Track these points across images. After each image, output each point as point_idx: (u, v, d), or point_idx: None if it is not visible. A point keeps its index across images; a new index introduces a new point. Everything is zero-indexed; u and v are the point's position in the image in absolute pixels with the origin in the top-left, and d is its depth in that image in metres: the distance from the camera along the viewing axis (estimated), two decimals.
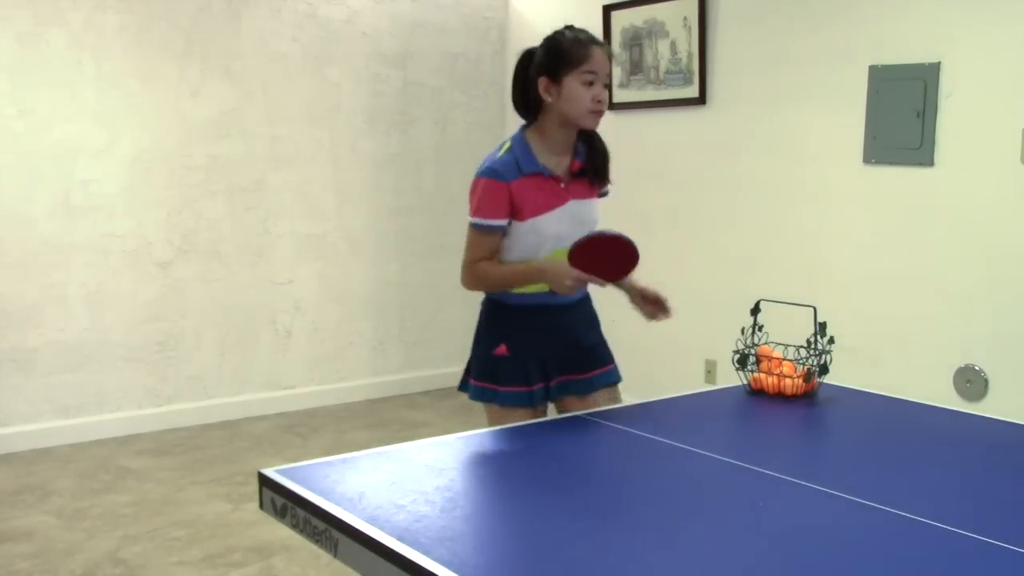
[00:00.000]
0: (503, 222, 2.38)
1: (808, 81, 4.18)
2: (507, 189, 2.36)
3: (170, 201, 4.70)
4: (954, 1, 3.68)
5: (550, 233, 2.41)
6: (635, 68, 4.92)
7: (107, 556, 3.30)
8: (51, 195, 4.39)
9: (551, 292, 2.43)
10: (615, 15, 4.95)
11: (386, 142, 5.36)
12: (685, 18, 4.64)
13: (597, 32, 5.15)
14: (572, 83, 2.35)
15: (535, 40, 2.44)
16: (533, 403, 2.47)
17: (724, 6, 4.51)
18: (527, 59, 2.45)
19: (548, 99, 2.38)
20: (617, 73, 4.99)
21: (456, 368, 5.98)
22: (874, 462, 2.02)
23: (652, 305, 2.55)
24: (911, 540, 1.56)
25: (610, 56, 2.43)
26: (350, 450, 2.05)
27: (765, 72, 4.35)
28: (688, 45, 4.64)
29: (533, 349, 2.48)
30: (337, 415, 5.09)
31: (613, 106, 5.04)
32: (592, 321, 2.62)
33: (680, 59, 4.69)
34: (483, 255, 2.42)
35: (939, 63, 3.72)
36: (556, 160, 2.44)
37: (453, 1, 5.50)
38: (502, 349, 2.48)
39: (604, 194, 2.57)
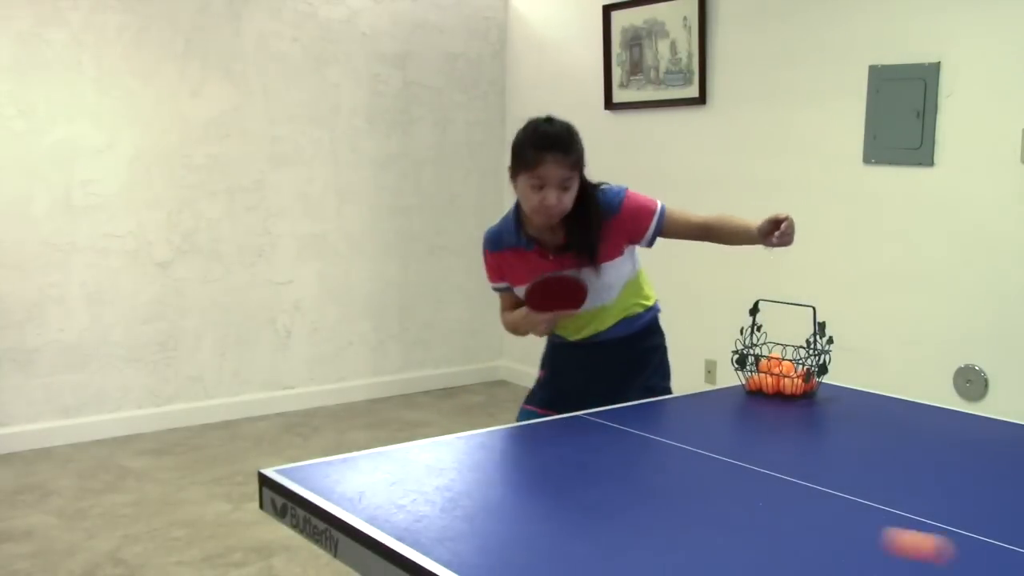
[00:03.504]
0: (503, 284, 2.50)
1: (808, 81, 4.18)
2: (494, 258, 2.47)
3: (170, 201, 4.70)
4: (954, 1, 3.68)
5: None
6: (635, 68, 4.92)
7: (107, 556, 3.30)
8: (51, 195, 4.39)
9: (591, 333, 2.49)
10: (615, 15, 4.95)
11: (386, 142, 5.36)
12: (685, 18, 4.64)
13: (596, 34, 5.20)
14: (523, 184, 2.30)
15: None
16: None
17: (724, 6, 4.51)
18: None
19: (513, 186, 2.36)
20: (617, 73, 4.99)
21: (456, 368, 6.02)
22: (874, 462, 2.02)
23: (771, 233, 2.33)
24: None
25: (573, 161, 2.29)
26: (350, 450, 2.05)
27: (765, 72, 4.35)
28: (688, 45, 4.64)
29: (568, 378, 2.56)
30: (337, 415, 5.09)
31: (613, 106, 5.05)
32: (632, 363, 2.53)
33: (680, 59, 4.69)
34: (504, 307, 2.55)
35: (939, 63, 3.72)
36: (550, 231, 2.39)
37: (453, 1, 5.50)
38: (541, 374, 2.64)
39: (651, 243, 2.48)
